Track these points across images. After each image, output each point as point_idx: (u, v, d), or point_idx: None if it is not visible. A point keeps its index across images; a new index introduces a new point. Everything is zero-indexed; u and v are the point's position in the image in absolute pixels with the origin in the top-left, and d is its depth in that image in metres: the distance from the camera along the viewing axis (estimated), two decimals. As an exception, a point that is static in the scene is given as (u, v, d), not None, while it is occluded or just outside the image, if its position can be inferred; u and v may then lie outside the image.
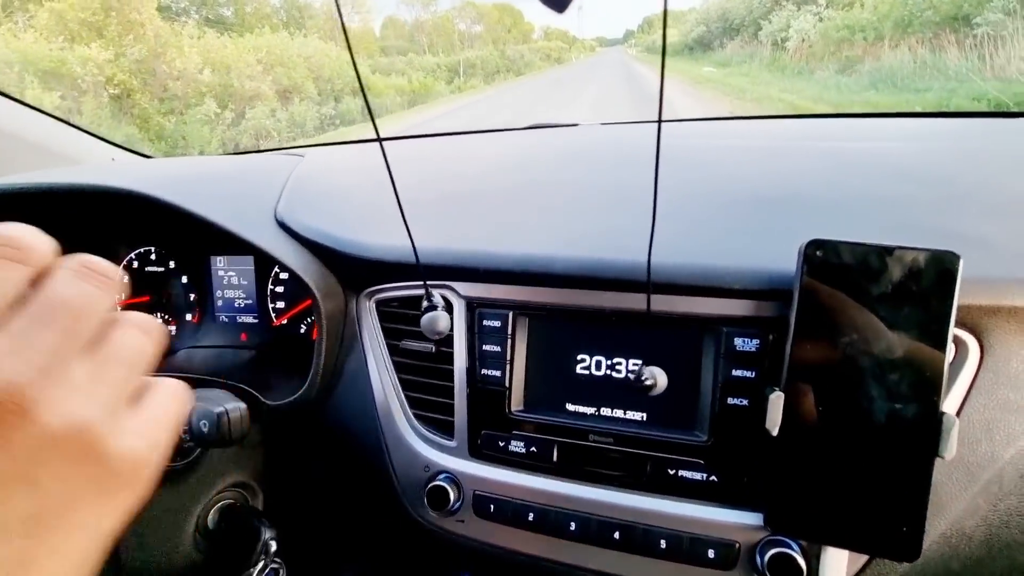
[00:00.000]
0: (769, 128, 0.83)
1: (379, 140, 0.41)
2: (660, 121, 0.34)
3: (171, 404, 0.23)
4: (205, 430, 0.42)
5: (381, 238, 0.58)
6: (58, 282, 0.20)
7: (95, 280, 0.21)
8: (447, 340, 0.54)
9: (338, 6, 0.38)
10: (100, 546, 0.20)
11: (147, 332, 0.23)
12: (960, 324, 0.42)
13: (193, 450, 0.49)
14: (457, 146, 0.99)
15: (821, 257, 0.41)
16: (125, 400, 0.21)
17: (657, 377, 0.43)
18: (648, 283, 0.42)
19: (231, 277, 0.77)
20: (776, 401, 0.42)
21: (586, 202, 0.61)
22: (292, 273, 0.57)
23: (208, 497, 0.55)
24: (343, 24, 0.37)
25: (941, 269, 0.39)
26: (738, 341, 0.46)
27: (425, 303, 0.50)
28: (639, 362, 0.49)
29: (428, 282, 0.55)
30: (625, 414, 0.50)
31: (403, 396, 0.57)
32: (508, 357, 0.52)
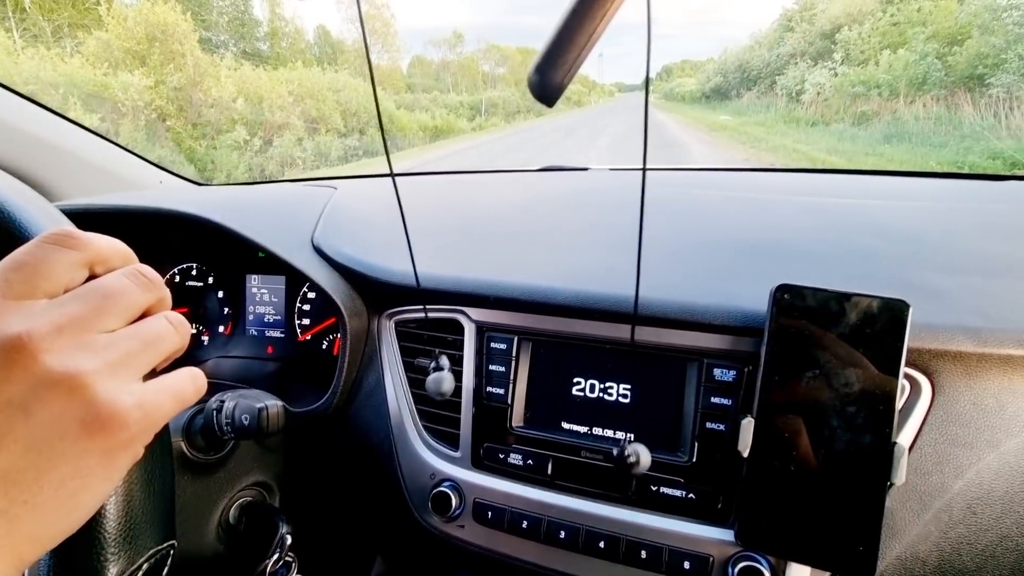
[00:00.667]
0: (761, 181, 0.90)
1: (392, 176, 0.47)
2: (644, 169, 0.41)
3: (181, 382, 0.27)
4: (246, 423, 0.48)
5: (404, 265, 0.64)
6: (108, 276, 0.26)
7: (139, 280, 0.27)
8: (457, 360, 0.60)
9: (366, 47, 0.45)
10: (91, 492, 0.24)
11: (173, 324, 0.28)
12: (913, 365, 0.47)
13: (225, 444, 0.55)
14: (475, 184, 1.07)
15: (789, 300, 0.47)
16: (135, 370, 0.25)
17: (640, 455, 0.46)
18: (634, 316, 0.48)
19: (263, 294, 0.84)
20: (747, 426, 0.47)
21: (588, 241, 0.68)
22: (322, 293, 0.64)
23: (232, 492, 0.61)
24: (370, 66, 0.44)
25: (893, 315, 0.45)
26: (717, 372, 0.51)
27: (432, 364, 0.55)
28: (629, 387, 0.55)
29: (444, 306, 0.61)
30: (615, 434, 0.55)
31: (415, 409, 0.63)
32: (512, 377, 0.58)
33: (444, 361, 0.56)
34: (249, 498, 0.64)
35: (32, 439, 0.22)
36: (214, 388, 0.52)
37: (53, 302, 0.24)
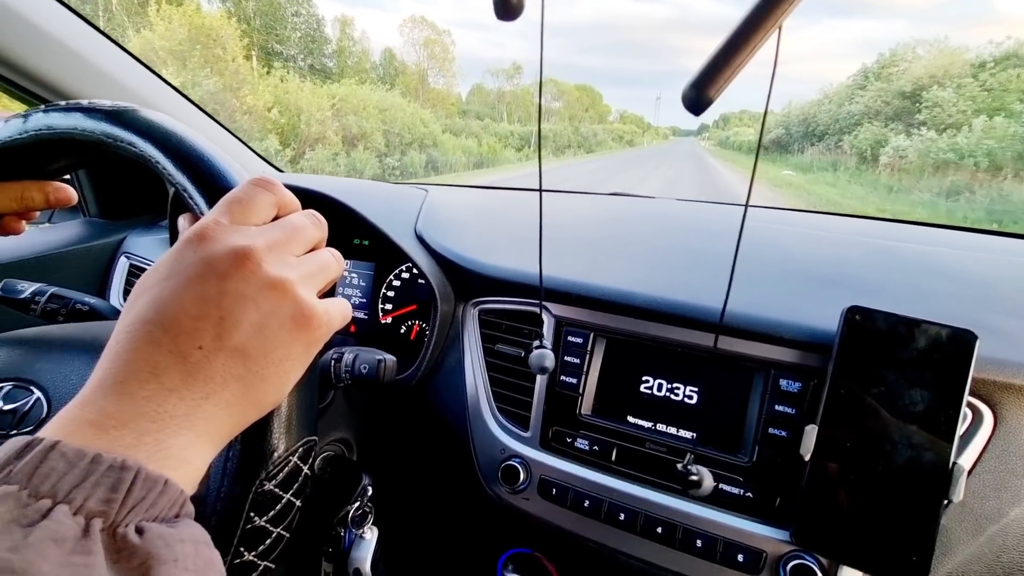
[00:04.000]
0: (836, 223, 0.94)
1: (540, 191, 0.54)
2: (747, 206, 0.47)
3: (342, 304, 0.35)
4: (364, 372, 0.55)
5: (493, 259, 0.72)
6: (294, 215, 0.34)
7: (314, 220, 0.35)
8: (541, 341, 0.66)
9: (540, 84, 0.53)
10: (294, 372, 0.30)
11: (335, 257, 0.35)
12: (977, 395, 0.50)
13: (326, 396, 0.62)
14: (546, 199, 1.15)
15: (859, 321, 0.51)
16: (315, 286, 0.32)
17: (704, 478, 0.48)
18: (719, 326, 0.53)
19: (353, 278, 0.93)
20: (810, 433, 0.51)
21: (661, 257, 0.73)
22: (407, 282, 0.71)
23: (321, 444, 0.68)
24: (540, 96, 0.52)
25: (960, 344, 0.48)
26: (783, 382, 0.55)
27: (536, 343, 0.60)
28: (696, 389, 0.59)
29: (525, 299, 0.68)
30: (678, 432, 0.59)
31: (490, 391, 0.69)
32: (585, 369, 0.63)
33: (547, 340, 0.61)
34: (333, 452, 0.71)
35: (260, 324, 0.28)
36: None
37: (260, 228, 0.32)
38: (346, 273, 0.93)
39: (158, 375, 0.25)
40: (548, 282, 0.67)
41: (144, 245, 1.00)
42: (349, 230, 0.88)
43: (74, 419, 0.23)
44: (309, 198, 0.76)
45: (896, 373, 0.50)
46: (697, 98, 0.29)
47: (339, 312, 0.34)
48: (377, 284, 0.92)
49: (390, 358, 0.55)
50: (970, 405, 0.50)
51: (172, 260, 0.29)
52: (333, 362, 0.57)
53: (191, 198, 0.38)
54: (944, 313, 0.57)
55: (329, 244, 0.37)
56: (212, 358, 0.27)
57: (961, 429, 0.49)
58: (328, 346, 0.76)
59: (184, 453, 0.25)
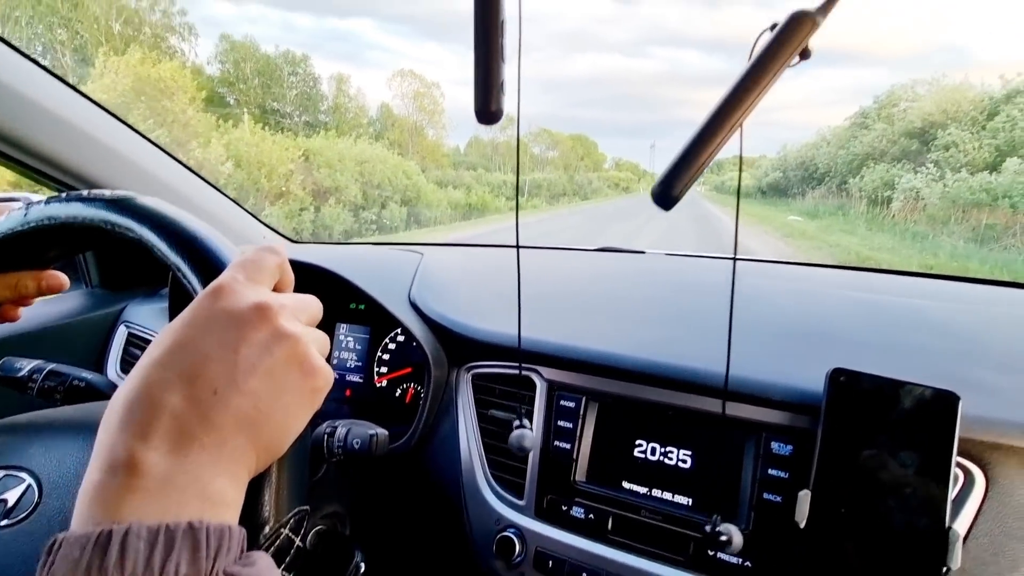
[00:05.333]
0: (818, 274, 0.96)
1: (517, 248, 0.57)
2: (735, 259, 0.49)
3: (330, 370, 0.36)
4: (356, 446, 0.55)
5: (486, 324, 0.73)
6: (306, 295, 0.37)
7: (316, 300, 0.37)
8: (528, 413, 0.66)
9: (518, 144, 0.56)
10: (301, 418, 0.32)
11: (322, 339, 0.37)
12: (966, 455, 0.50)
13: (319, 470, 0.61)
14: (536, 257, 1.17)
15: (844, 382, 0.52)
16: (318, 345, 0.34)
17: (733, 536, 0.49)
18: (724, 391, 0.53)
19: (349, 342, 0.94)
20: (804, 498, 0.50)
21: (652, 316, 0.75)
22: (403, 345, 0.72)
23: (313, 519, 0.67)
24: (518, 151, 0.55)
25: (944, 405, 0.49)
26: (775, 445, 0.55)
27: (517, 422, 0.60)
28: (689, 453, 0.59)
29: (517, 364, 0.69)
30: (674, 497, 0.59)
31: (485, 457, 0.68)
32: (578, 434, 0.64)
33: (527, 421, 0.62)
34: (325, 527, 0.69)
35: (272, 370, 0.30)
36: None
37: (275, 293, 0.34)
38: (342, 337, 0.94)
39: (175, 420, 0.26)
40: (539, 346, 0.68)
41: (144, 314, 1.01)
42: (345, 296, 0.89)
43: (112, 490, 0.24)
44: (308, 270, 0.78)
45: (885, 435, 0.50)
46: (665, 195, 0.31)
47: (332, 373, 0.36)
48: (373, 347, 0.93)
49: (382, 432, 0.56)
50: (961, 466, 0.50)
51: (193, 312, 0.31)
52: (326, 436, 0.57)
53: (185, 277, 0.40)
54: (931, 370, 0.58)
55: (326, 309, 0.40)
56: (227, 401, 0.28)
57: (953, 492, 0.49)
58: (323, 417, 0.76)
59: (224, 496, 0.27)
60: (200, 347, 0.29)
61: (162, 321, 1.00)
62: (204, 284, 0.38)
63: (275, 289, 0.36)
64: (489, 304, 0.80)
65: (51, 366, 0.69)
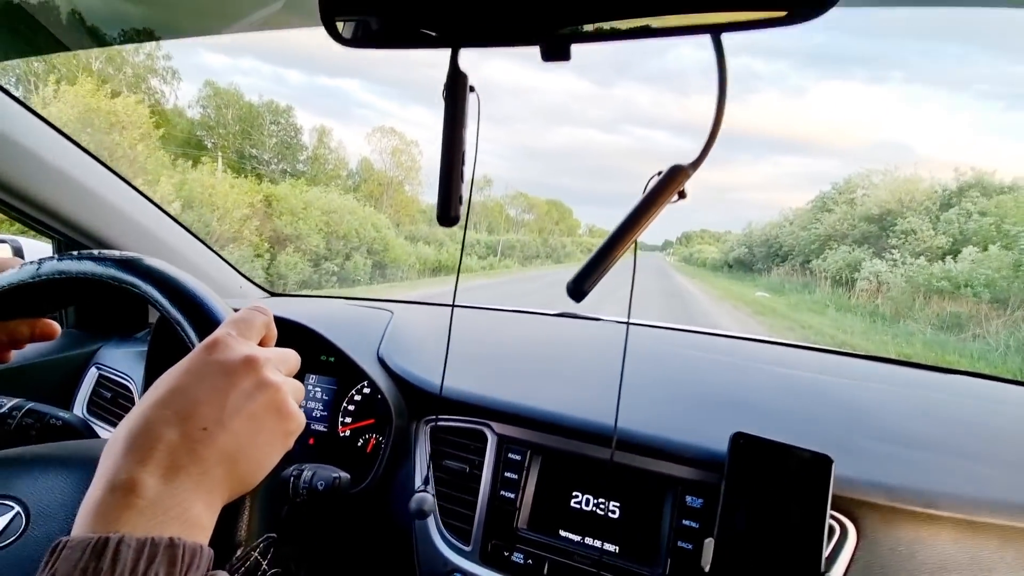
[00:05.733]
0: (742, 346, 1.08)
1: (452, 306, 0.66)
2: (628, 323, 0.59)
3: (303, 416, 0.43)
4: (320, 488, 0.60)
5: (446, 380, 0.81)
6: (288, 351, 0.43)
7: (296, 355, 0.44)
8: (479, 464, 0.73)
9: (469, 200, 0.67)
10: (274, 457, 0.36)
11: (299, 387, 0.44)
12: (841, 510, 0.59)
13: (283, 510, 0.66)
14: (501, 319, 1.27)
15: (743, 444, 0.62)
16: (295, 393, 0.40)
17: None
18: (613, 440, 0.62)
19: (317, 392, 1.00)
20: (708, 546, 0.59)
21: (591, 381, 0.84)
22: (368, 397, 0.79)
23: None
24: (468, 215, 0.65)
25: (820, 467, 0.59)
26: (688, 498, 0.64)
27: (420, 485, 0.66)
28: (618, 504, 0.67)
29: (474, 419, 0.76)
30: (603, 545, 0.66)
31: (437, 504, 0.74)
32: (522, 484, 0.71)
33: (431, 487, 0.67)
34: (280, 571, 0.73)
35: (255, 414, 0.36)
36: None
37: (264, 348, 0.41)
38: (311, 387, 1.00)
39: (169, 454, 0.32)
40: (492, 403, 0.76)
41: (117, 357, 1.05)
42: (316, 348, 0.96)
43: (111, 506, 0.30)
44: (285, 324, 0.85)
45: (775, 492, 0.59)
46: (577, 291, 0.42)
47: (304, 419, 0.42)
48: (339, 398, 0.99)
49: (345, 475, 0.62)
50: (837, 520, 0.59)
51: (191, 361, 0.37)
52: (293, 477, 0.62)
53: (183, 330, 0.47)
54: (821, 436, 0.69)
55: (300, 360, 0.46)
56: (213, 437, 0.34)
57: (831, 543, 0.58)
58: (289, 461, 0.82)
59: (200, 520, 0.32)
60: (195, 392, 0.35)
61: (134, 365, 1.04)
62: (200, 337, 0.45)
63: (261, 343, 0.43)
64: (451, 363, 0.88)
65: (30, 405, 0.73)
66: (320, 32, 0.47)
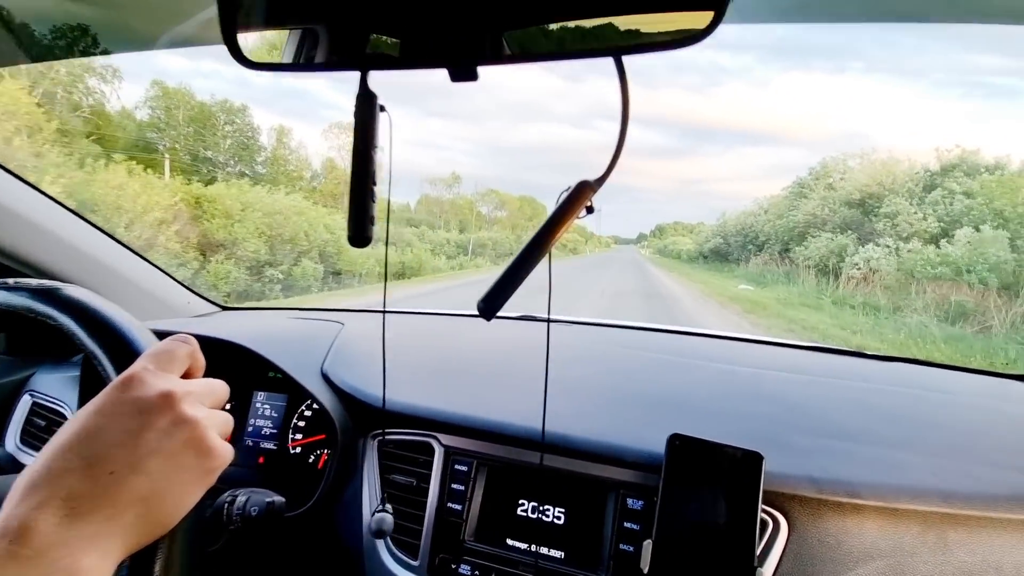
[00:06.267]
0: (686, 342, 1.10)
1: (384, 312, 0.66)
2: (548, 320, 0.60)
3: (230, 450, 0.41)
4: (254, 514, 0.59)
5: (392, 394, 0.80)
6: (214, 380, 0.42)
7: (224, 388, 0.43)
8: (425, 477, 0.73)
9: (388, 193, 0.66)
10: (194, 495, 0.35)
11: (230, 417, 0.43)
12: (773, 505, 0.61)
13: (220, 538, 0.65)
14: (453, 324, 1.26)
15: (679, 445, 0.63)
16: (218, 432, 0.38)
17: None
18: (542, 444, 0.63)
19: (265, 410, 0.98)
20: (647, 548, 0.60)
21: (541, 386, 0.84)
22: (318, 413, 0.78)
23: (212, 588, 0.69)
24: (388, 214, 0.64)
25: (752, 463, 0.61)
26: (629, 501, 0.65)
27: (379, 505, 0.65)
28: (563, 510, 0.68)
29: (421, 431, 0.76)
30: (549, 551, 0.67)
31: (385, 520, 0.74)
32: (468, 495, 0.71)
33: (389, 507, 0.67)
34: (223, 597, 0.71)
35: (173, 453, 0.35)
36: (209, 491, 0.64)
37: (183, 381, 0.39)
38: (259, 404, 0.98)
39: (70, 501, 0.31)
40: (438, 415, 0.76)
41: (51, 383, 1.01)
42: (263, 365, 0.94)
43: (0, 555, 0.28)
44: (222, 347, 0.83)
45: (709, 490, 0.61)
46: (488, 309, 0.42)
47: (229, 454, 0.40)
48: (289, 414, 0.97)
49: (279, 499, 0.61)
50: (769, 515, 0.61)
51: (103, 400, 0.35)
52: (226, 504, 0.61)
53: (99, 363, 0.46)
54: (757, 432, 0.71)
55: (246, 379, 0.45)
56: (121, 481, 0.32)
57: (764, 537, 0.60)
58: (230, 485, 0.79)
59: (92, 572, 0.30)
60: (105, 434, 0.34)
61: (69, 390, 1.00)
62: (118, 371, 0.44)
63: (186, 375, 0.42)
64: (398, 375, 0.87)
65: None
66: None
